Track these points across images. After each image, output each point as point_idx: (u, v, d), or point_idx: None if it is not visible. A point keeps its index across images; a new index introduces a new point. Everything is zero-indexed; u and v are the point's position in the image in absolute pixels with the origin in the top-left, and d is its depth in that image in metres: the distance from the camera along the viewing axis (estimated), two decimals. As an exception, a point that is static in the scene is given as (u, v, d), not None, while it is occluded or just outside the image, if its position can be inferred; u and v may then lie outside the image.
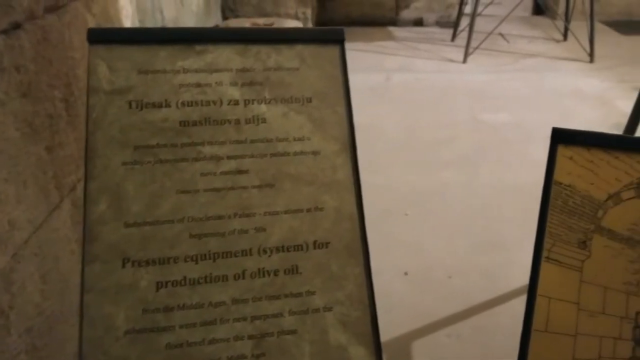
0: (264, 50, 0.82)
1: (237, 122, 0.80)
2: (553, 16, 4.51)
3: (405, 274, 1.85)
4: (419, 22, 4.77)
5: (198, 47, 0.80)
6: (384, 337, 1.66)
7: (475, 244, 1.96)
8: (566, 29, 4.28)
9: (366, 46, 4.23)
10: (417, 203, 2.24)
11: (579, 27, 4.07)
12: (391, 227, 2.09)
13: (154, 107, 0.77)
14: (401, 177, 2.43)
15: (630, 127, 1.81)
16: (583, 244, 0.65)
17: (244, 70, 0.81)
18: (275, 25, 3.69)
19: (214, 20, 3.82)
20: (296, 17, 3.95)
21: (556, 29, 4.46)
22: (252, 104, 0.81)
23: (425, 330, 1.64)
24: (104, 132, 0.76)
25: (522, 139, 2.77)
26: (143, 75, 0.78)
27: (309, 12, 4.00)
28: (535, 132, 2.84)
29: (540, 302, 0.68)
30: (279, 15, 3.96)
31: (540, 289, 0.68)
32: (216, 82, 0.80)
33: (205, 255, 0.76)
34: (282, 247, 0.79)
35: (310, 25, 4.04)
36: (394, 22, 4.77)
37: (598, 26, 4.43)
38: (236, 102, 0.81)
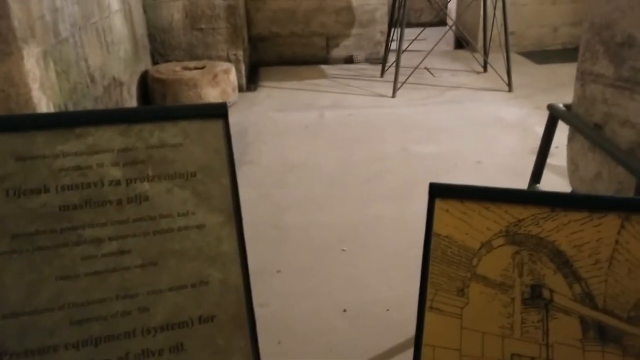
0: (146, 128, 0.83)
1: (119, 202, 0.81)
2: (473, 49, 4.76)
3: (344, 311, 1.87)
4: (349, 60, 4.92)
5: (78, 130, 0.80)
6: (327, 378, 1.67)
7: (411, 275, 1.98)
8: (485, 62, 4.53)
9: (299, 85, 4.32)
10: (354, 238, 2.28)
11: (498, 59, 4.32)
12: (329, 264, 2.12)
13: (32, 194, 0.77)
14: (337, 213, 2.48)
15: (537, 171, 1.94)
16: (461, 292, 0.70)
17: (126, 149, 0.82)
18: (207, 68, 3.72)
19: (144, 65, 3.80)
20: (228, 59, 3.99)
21: (477, 62, 4.71)
22: (135, 182, 0.82)
23: (366, 367, 1.65)
24: (-21, 223, 0.75)
25: (450, 168, 2.89)
26: (21, 162, 0.77)
27: (240, 53, 4.05)
28: (462, 161, 2.96)
29: (425, 351, 0.71)
30: (210, 58, 3.99)
31: (426, 338, 0.71)
32: (97, 164, 0.80)
33: (86, 341, 0.75)
34: (167, 325, 0.79)
35: (242, 66, 4.09)
36: (326, 60, 4.90)
37: (514, 57, 4.72)
38: (118, 182, 0.81)
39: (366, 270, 2.06)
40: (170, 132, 0.83)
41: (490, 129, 3.40)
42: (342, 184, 2.75)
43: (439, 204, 0.73)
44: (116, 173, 0.81)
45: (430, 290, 0.70)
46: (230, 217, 0.82)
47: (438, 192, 0.73)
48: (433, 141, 3.23)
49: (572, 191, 1.90)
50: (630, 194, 1.47)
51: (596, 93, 1.67)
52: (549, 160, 2.33)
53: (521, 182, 2.07)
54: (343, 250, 2.21)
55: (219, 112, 0.85)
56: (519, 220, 0.70)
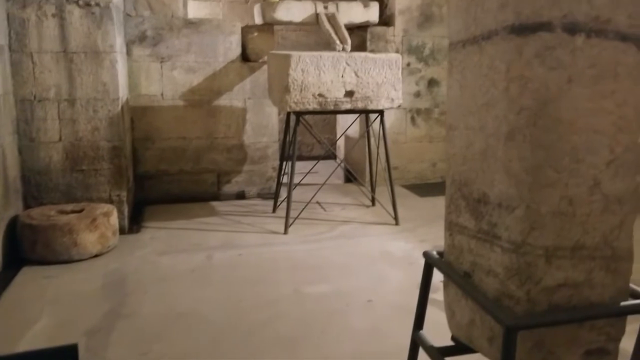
0: None
1: None
2: (361, 184, 4.97)
3: None
4: (241, 195, 4.93)
5: None
6: None
7: None
8: (373, 197, 4.73)
9: (187, 224, 4.19)
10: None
11: (384, 192, 4.52)
12: None
13: None
14: (222, 371, 2.28)
15: (419, 317, 1.93)
16: None
17: None
18: (85, 211, 3.51)
19: (14, 210, 3.52)
20: (110, 201, 3.82)
21: (365, 196, 4.92)
22: None
23: None
24: None
25: (342, 308, 2.83)
26: None
27: (124, 194, 3.90)
28: (353, 300, 2.92)
29: None
30: (90, 199, 3.79)
31: None
32: None
33: None
34: None
35: (125, 207, 3.92)
36: (216, 197, 4.86)
37: (399, 190, 5.00)
38: None
39: None
40: None
41: (379, 264, 3.44)
42: (230, 334, 2.57)
43: None
44: None
45: None
46: None
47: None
48: (325, 280, 3.20)
49: (452, 337, 1.90)
50: (501, 341, 1.48)
51: (463, 243, 1.73)
52: (436, 296, 2.36)
53: (410, 320, 2.03)
54: (227, 417, 1.99)
55: (68, 356, 0.76)
56: None
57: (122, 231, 3.79)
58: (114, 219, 3.58)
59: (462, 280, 1.71)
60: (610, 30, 1.42)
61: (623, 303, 1.54)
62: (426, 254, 1.93)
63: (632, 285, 1.57)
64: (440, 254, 1.92)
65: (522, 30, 1.39)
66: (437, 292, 2.43)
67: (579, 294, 1.52)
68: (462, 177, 1.70)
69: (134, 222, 4.16)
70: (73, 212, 3.53)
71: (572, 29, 1.39)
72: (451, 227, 1.82)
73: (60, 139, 3.80)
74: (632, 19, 1.44)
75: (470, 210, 1.67)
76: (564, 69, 1.39)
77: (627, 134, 1.47)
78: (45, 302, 2.89)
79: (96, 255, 3.45)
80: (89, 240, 3.37)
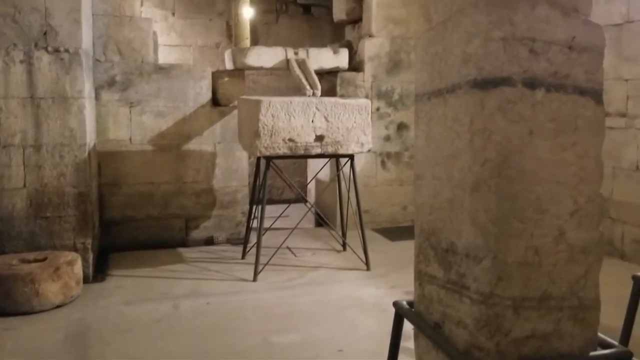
0: None
1: None
2: (332, 228, 4.95)
3: None
4: (209, 241, 4.84)
5: None
6: None
7: None
8: (344, 242, 4.71)
9: (153, 272, 4.08)
10: None
11: (356, 236, 4.49)
12: None
13: None
14: None
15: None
16: None
17: None
18: (49, 260, 3.39)
19: (-30, 260, 3.37)
20: (74, 248, 3.69)
21: (336, 240, 4.89)
22: None
23: None
24: None
25: (311, 359, 2.76)
26: None
27: (89, 242, 3.78)
28: (323, 350, 2.86)
29: None
30: (54, 247, 3.67)
31: None
32: None
33: None
34: None
35: (90, 255, 3.80)
36: (184, 243, 4.76)
37: (370, 234, 4.98)
38: None
39: None
40: None
41: (350, 311, 3.39)
42: (195, 389, 2.47)
43: None
44: None
45: None
46: None
47: None
48: (294, 329, 3.13)
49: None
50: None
51: (433, 293, 1.72)
52: (408, 344, 2.31)
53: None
54: None
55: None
56: None
57: (86, 280, 3.66)
58: (78, 268, 3.46)
59: (432, 332, 1.69)
60: (569, 85, 1.47)
61: (592, 353, 1.53)
62: (396, 304, 1.91)
63: (600, 335, 1.57)
64: (410, 303, 1.90)
65: (484, 84, 1.43)
66: (410, 340, 2.38)
67: (548, 345, 1.51)
68: (430, 227, 1.71)
69: (98, 271, 4.03)
70: (36, 260, 3.40)
71: (532, 84, 1.43)
72: (421, 277, 1.82)
73: (24, 185, 3.69)
74: (589, 74, 1.50)
75: (439, 260, 1.67)
76: (525, 122, 1.43)
77: (589, 184, 1.50)
78: (5, 355, 2.75)
79: (59, 306, 3.31)
80: (52, 290, 3.24)
